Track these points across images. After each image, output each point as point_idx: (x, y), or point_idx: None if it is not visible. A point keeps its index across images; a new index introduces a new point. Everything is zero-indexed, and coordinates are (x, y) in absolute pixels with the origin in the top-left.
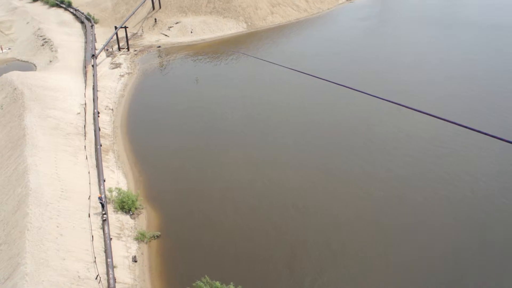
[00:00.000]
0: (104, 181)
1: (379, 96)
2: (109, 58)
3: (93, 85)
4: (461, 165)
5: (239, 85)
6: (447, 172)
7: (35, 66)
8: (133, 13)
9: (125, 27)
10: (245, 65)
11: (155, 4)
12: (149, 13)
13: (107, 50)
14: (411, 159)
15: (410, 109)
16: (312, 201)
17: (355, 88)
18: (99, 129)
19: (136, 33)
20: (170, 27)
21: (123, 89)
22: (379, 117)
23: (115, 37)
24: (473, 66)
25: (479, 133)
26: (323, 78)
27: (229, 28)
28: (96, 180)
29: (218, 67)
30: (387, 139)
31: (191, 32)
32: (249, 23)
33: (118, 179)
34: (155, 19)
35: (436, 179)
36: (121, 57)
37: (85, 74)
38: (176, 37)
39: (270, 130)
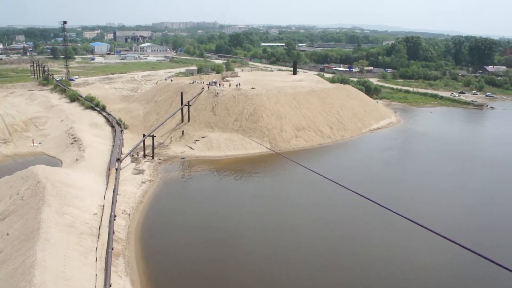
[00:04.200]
0: (110, 286)
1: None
2: (134, 164)
3: (114, 188)
4: None
5: (260, 204)
6: None
7: (61, 163)
8: (162, 123)
9: (153, 136)
10: (269, 183)
11: (184, 117)
12: (177, 125)
13: (132, 155)
14: None
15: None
16: None
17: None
18: (113, 232)
19: (163, 143)
20: (196, 140)
21: (143, 196)
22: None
23: (142, 144)
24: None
25: None
26: (361, 194)
27: (253, 147)
28: (102, 284)
29: (240, 185)
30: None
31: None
32: (273, 144)
33: (125, 285)
34: (183, 131)
35: None
36: (145, 164)
37: (108, 176)
38: (200, 151)
39: (294, 266)
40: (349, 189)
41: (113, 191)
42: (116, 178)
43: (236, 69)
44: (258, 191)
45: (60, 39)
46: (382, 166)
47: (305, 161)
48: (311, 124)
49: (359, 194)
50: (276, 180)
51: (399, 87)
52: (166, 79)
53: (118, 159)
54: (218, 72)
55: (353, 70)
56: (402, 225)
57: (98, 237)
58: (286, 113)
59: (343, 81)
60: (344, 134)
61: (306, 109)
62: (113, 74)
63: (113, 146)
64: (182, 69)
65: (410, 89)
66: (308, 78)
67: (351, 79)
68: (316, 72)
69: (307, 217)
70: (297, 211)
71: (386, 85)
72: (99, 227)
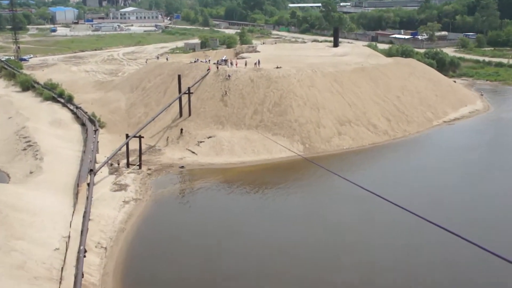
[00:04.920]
0: None
1: None
2: (113, 176)
3: (85, 211)
4: None
5: (288, 233)
6: None
7: (9, 177)
8: (153, 119)
9: (140, 137)
10: (301, 202)
11: (183, 110)
12: (174, 121)
13: (111, 165)
14: None
15: None
16: None
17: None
18: (83, 275)
19: (154, 146)
20: (201, 141)
21: (126, 221)
22: None
23: (124, 148)
24: None
25: None
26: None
27: (279, 149)
28: None
29: (260, 204)
30: None
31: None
32: (307, 145)
33: None
34: (182, 129)
35: None
36: (129, 177)
37: (76, 194)
38: (206, 156)
39: None
40: (416, 214)
41: (84, 216)
42: (87, 197)
43: (255, 42)
44: (285, 214)
45: (5, 2)
46: (464, 176)
47: (352, 168)
48: (360, 116)
49: (431, 222)
50: (311, 197)
51: (487, 58)
52: (158, 58)
53: (91, 170)
54: (229, 47)
55: (419, 37)
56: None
57: (60, 282)
58: (324, 101)
59: (405, 54)
60: (407, 129)
61: (352, 94)
62: (83, 51)
63: (83, 152)
64: (180, 43)
65: (504, 61)
66: (355, 51)
67: (416, 50)
68: (367, 43)
69: (350, 252)
70: (339, 243)
71: (468, 56)
72: (62, 268)
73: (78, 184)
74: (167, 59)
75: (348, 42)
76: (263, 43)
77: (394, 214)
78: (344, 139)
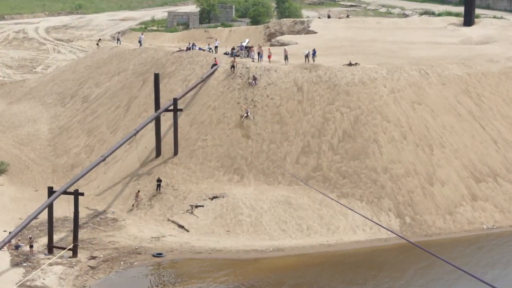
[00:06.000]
0: None
1: None
2: (19, 271)
3: None
4: None
5: None
6: None
7: None
8: (104, 160)
9: (77, 193)
10: None
11: (163, 143)
12: (145, 164)
13: (17, 247)
14: None
15: None
16: None
17: None
18: None
19: (104, 212)
20: (196, 206)
21: None
22: None
23: (44, 216)
24: None
25: None
26: None
27: (351, 225)
28: None
29: None
30: None
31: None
32: (408, 218)
33: None
34: (159, 181)
35: None
36: (51, 272)
37: None
38: (207, 235)
39: None
40: None
41: None
42: None
43: (307, 13)
44: None
45: None
46: None
47: (502, 268)
48: None
49: None
50: None
51: None
52: (118, 40)
53: None
54: (256, 22)
55: None
56: None
57: None
58: (444, 132)
59: None
60: None
61: (502, 121)
62: None
63: None
64: (160, 12)
65: None
66: (505, 36)
67: None
68: None
69: None
70: None
71: None
72: None
73: None
74: (140, 42)
75: (494, 17)
76: (328, 16)
77: None
78: (485, 209)
